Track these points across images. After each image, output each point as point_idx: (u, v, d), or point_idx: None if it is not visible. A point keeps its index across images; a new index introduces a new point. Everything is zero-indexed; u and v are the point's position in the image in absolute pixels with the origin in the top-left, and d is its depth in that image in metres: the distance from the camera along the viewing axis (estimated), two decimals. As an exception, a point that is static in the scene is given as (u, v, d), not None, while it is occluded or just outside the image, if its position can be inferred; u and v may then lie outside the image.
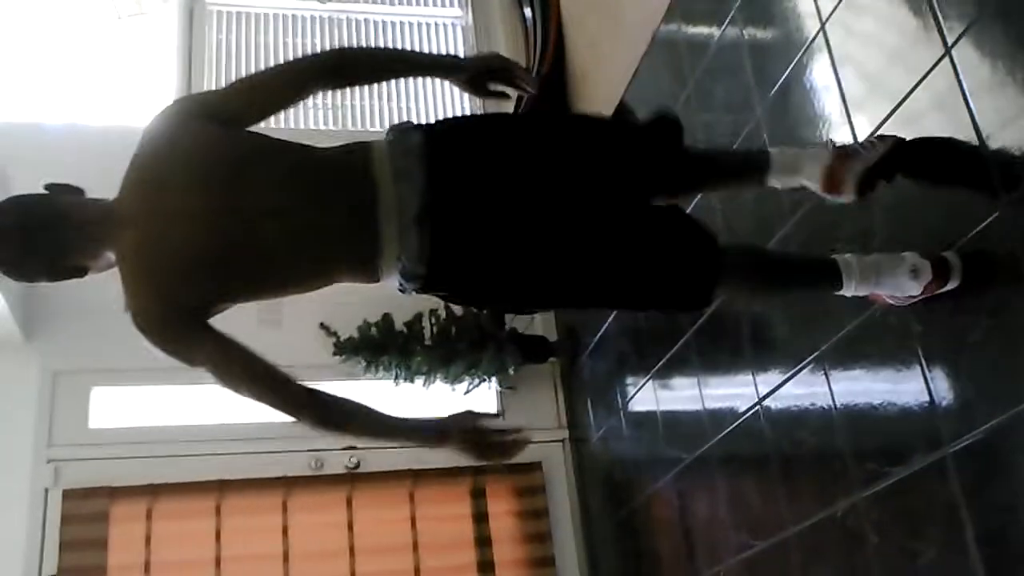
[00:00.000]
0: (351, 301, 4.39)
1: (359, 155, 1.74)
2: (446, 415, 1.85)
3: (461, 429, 1.85)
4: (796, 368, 2.54)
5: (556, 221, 1.76)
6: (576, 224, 1.78)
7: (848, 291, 1.91)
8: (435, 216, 1.68)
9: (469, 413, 1.86)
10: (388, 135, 1.77)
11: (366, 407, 1.83)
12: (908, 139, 2.01)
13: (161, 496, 4.08)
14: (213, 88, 1.82)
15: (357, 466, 4.33)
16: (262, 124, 1.80)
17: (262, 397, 1.77)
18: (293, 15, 5.16)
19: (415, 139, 1.73)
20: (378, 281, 1.77)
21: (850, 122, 2.27)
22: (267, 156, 1.75)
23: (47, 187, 1.78)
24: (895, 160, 1.98)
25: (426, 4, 5.44)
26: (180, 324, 1.71)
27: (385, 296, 4.30)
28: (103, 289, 4.59)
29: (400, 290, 1.78)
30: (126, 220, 1.69)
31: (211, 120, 1.73)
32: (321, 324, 4.29)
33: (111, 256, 1.74)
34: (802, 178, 2.02)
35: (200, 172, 1.69)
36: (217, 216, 1.66)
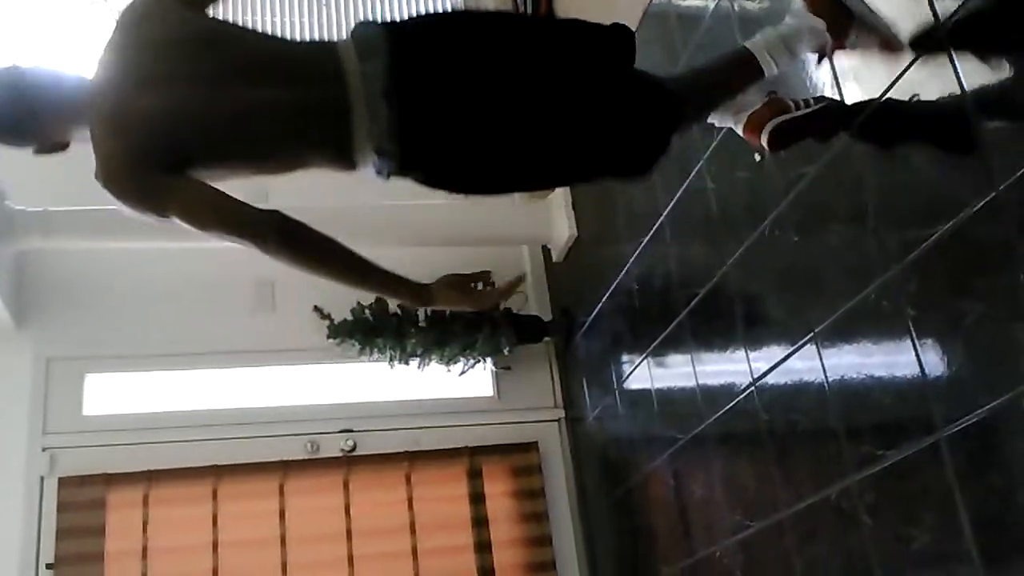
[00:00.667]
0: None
1: (324, 44, 1.85)
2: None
3: (447, 283, 1.88)
4: (790, 350, 2.52)
5: (519, 92, 1.83)
6: (538, 91, 1.84)
7: (770, 74, 2.09)
8: (402, 90, 1.73)
9: (453, 274, 1.89)
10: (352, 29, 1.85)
11: (350, 250, 1.81)
12: (847, 103, 2.02)
13: (157, 482, 4.06)
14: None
15: (353, 448, 4.32)
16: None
17: (230, 237, 1.75)
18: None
19: (378, 26, 1.82)
20: (354, 167, 1.81)
21: (840, 94, 2.24)
22: (235, 36, 1.85)
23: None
24: (822, 121, 2.08)
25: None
26: (149, 174, 1.72)
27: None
28: (95, 276, 4.59)
29: (377, 173, 1.80)
30: (98, 90, 1.76)
31: (179, 3, 1.84)
32: (315, 307, 4.26)
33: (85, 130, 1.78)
34: (731, 120, 2.18)
35: (172, 47, 1.77)
36: (186, 82, 1.73)
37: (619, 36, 1.96)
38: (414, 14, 3.81)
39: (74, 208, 3.76)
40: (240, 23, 1.91)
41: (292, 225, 1.74)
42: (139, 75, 1.75)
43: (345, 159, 1.79)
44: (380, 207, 4.22)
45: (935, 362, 1.96)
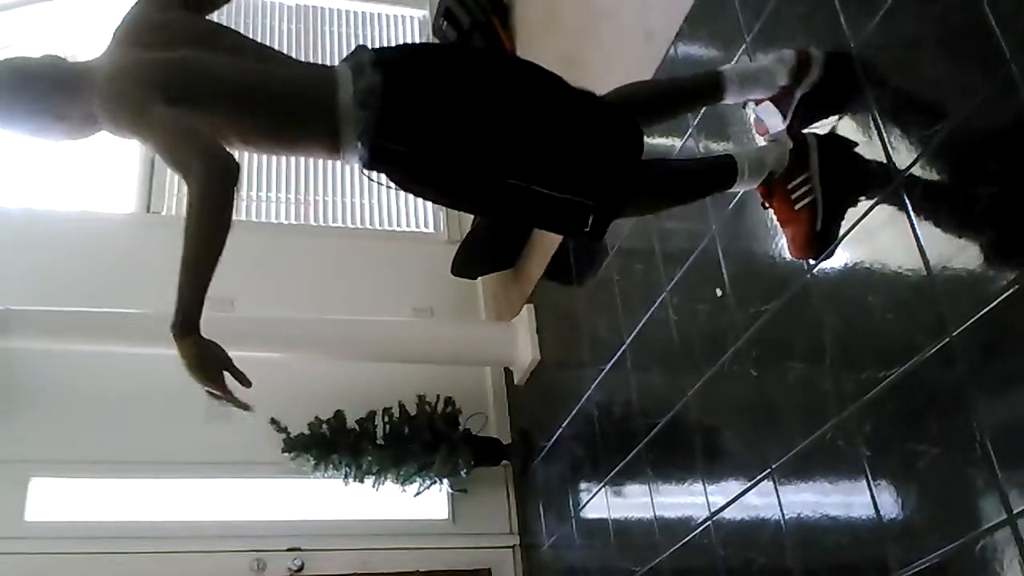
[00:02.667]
0: (303, 394, 4.34)
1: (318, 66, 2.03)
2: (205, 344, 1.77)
3: (207, 353, 1.79)
4: (747, 485, 2.52)
5: (495, 100, 1.93)
6: (514, 105, 1.94)
7: (729, 99, 2.26)
8: (388, 65, 1.85)
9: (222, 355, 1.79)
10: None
11: (196, 258, 1.70)
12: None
13: (95, 595, 3.91)
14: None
15: (301, 568, 4.20)
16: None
17: (181, 158, 1.73)
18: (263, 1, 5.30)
19: (369, 48, 1.94)
20: (339, 152, 1.87)
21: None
22: (246, 39, 2.01)
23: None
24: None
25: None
26: (148, 91, 1.78)
27: (338, 392, 4.33)
28: (48, 378, 4.50)
29: (360, 144, 1.84)
30: (102, 63, 1.89)
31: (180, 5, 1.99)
32: (272, 419, 4.21)
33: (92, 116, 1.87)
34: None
35: (170, 32, 1.90)
36: (198, 45, 1.87)
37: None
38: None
39: (35, 308, 3.74)
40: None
41: (228, 178, 1.71)
42: (145, 42, 1.88)
43: (331, 137, 1.86)
44: (346, 321, 4.23)
45: (890, 504, 1.96)
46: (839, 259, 2.17)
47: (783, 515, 2.36)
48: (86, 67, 1.90)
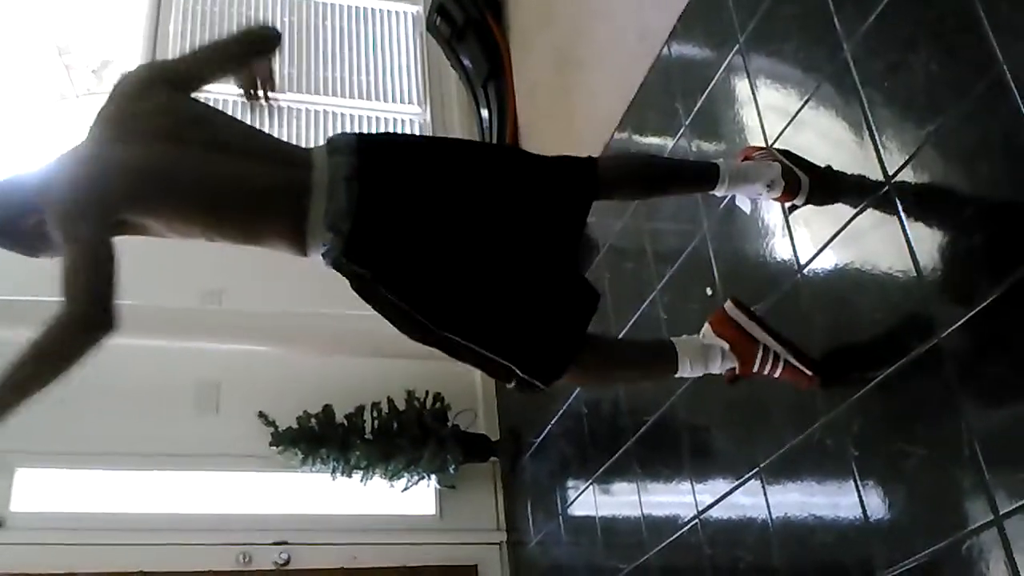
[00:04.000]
0: (292, 388, 4.33)
1: (301, 147, 1.98)
2: None
3: None
4: (735, 484, 2.52)
5: (472, 217, 1.91)
6: (490, 225, 1.93)
7: (719, 192, 2.26)
8: (364, 180, 1.83)
9: None
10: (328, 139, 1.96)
11: (15, 383, 1.70)
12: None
13: (80, 586, 3.90)
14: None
15: (287, 562, 4.19)
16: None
17: (67, 290, 1.71)
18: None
19: (352, 134, 1.94)
20: (305, 249, 1.86)
21: (791, 238, 2.32)
22: (221, 119, 2.00)
23: None
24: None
25: (386, 100, 5.51)
26: (91, 206, 1.77)
27: (327, 387, 4.32)
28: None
29: (324, 256, 1.86)
30: (71, 154, 1.86)
31: (167, 84, 1.96)
32: (260, 413, 4.20)
33: None
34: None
35: (159, 115, 1.89)
36: (165, 142, 1.84)
37: (580, 168, 2.06)
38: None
39: (19, 298, 3.71)
40: (230, 114, 2.07)
41: (96, 333, 1.71)
42: (121, 133, 1.86)
43: (298, 237, 1.85)
44: (335, 316, 4.22)
45: (877, 504, 1.97)
46: (829, 259, 2.18)
47: (770, 514, 2.37)
48: (63, 157, 1.88)
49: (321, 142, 1.94)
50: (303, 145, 2.00)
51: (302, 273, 1.98)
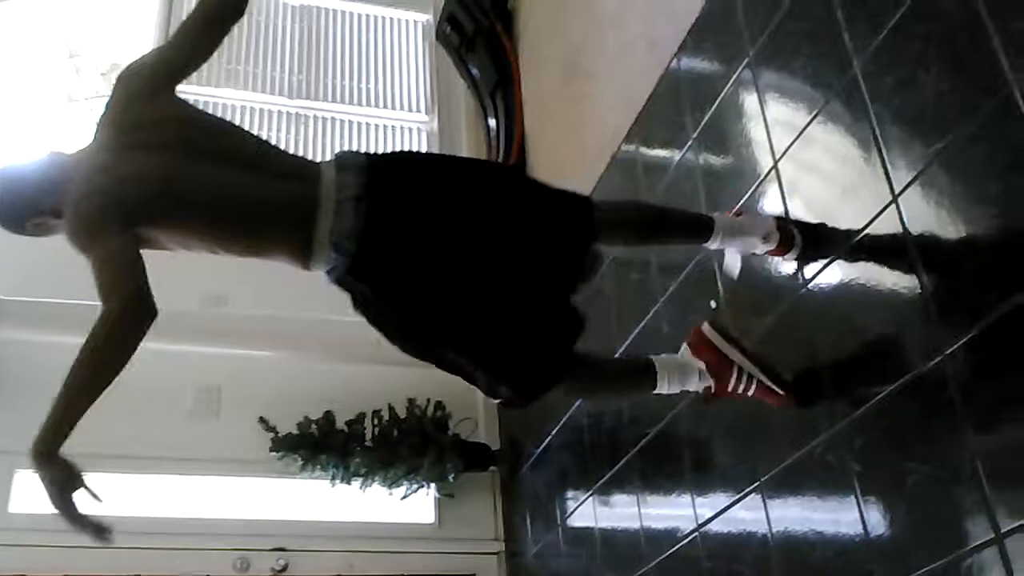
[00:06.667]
0: (293, 393, 4.32)
1: (309, 160, 1.99)
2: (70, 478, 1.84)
3: (62, 474, 1.84)
4: (735, 497, 2.52)
5: (476, 242, 1.94)
6: (492, 251, 1.96)
7: (712, 246, 2.30)
8: (372, 200, 1.86)
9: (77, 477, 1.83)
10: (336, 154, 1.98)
11: (79, 385, 1.82)
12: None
13: (77, 588, 3.89)
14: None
15: (285, 568, 4.18)
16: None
17: (106, 291, 1.77)
18: (261, 108, 5.21)
19: (361, 153, 1.96)
20: (309, 264, 1.89)
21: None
22: (232, 130, 2.01)
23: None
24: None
25: (393, 108, 5.53)
26: (109, 218, 1.79)
27: (328, 393, 4.31)
28: (33, 369, 4.47)
29: (328, 272, 1.89)
30: (90, 156, 1.88)
31: (171, 83, 1.97)
32: (260, 418, 4.19)
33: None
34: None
35: (162, 134, 1.88)
36: (173, 152, 1.85)
37: (579, 210, 2.10)
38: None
39: (21, 299, 3.72)
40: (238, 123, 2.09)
41: (139, 322, 1.77)
42: (134, 141, 1.87)
43: (303, 253, 1.88)
44: (337, 322, 4.21)
45: (878, 520, 1.97)
46: (834, 275, 2.18)
47: (770, 529, 2.36)
48: (75, 161, 1.91)
49: (329, 149, 1.97)
50: (310, 154, 2.02)
51: (305, 279, 1.99)
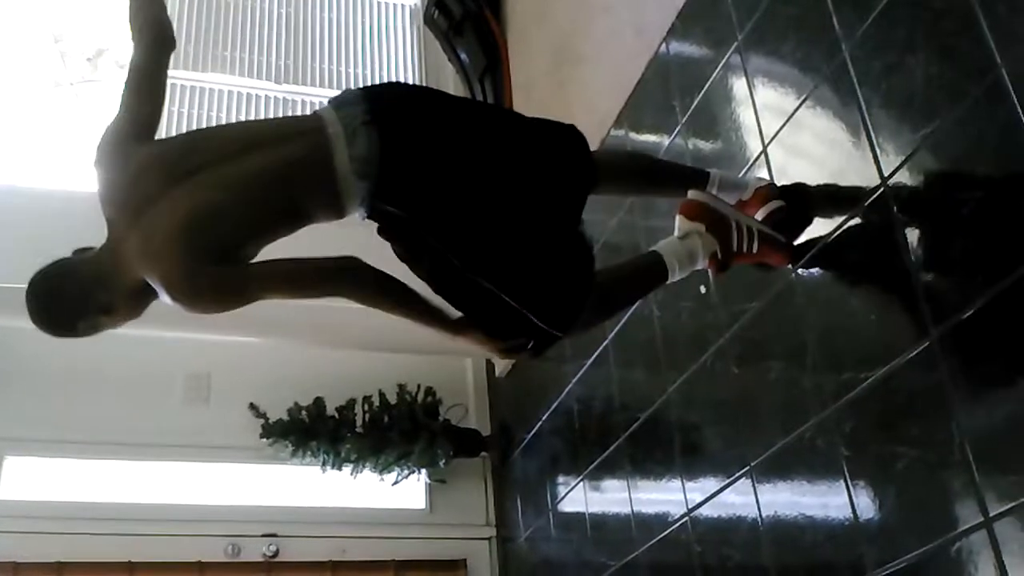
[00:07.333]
0: (283, 380, 4.32)
1: (297, 117, 2.02)
2: None
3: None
4: (726, 482, 2.53)
5: (493, 178, 1.93)
6: (500, 180, 1.94)
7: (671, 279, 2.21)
8: (382, 120, 1.82)
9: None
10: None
11: (411, 290, 1.89)
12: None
13: (68, 574, 3.88)
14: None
15: (276, 554, 4.18)
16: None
17: (319, 295, 1.88)
18: (249, 93, 5.18)
19: (354, 90, 1.93)
20: (343, 210, 1.86)
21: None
22: (210, 132, 2.01)
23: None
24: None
25: (381, 91, 5.50)
26: (208, 273, 1.78)
27: (318, 379, 4.31)
28: (23, 356, 4.46)
29: (361, 203, 1.85)
30: (121, 239, 1.82)
31: (136, 137, 1.92)
32: (250, 405, 4.19)
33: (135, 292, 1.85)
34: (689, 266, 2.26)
35: (156, 174, 1.83)
36: (184, 188, 1.79)
37: (575, 141, 2.13)
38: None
39: (11, 286, 3.69)
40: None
41: (363, 270, 1.85)
42: (145, 204, 1.80)
43: (334, 197, 1.83)
44: (328, 308, 4.20)
45: (867, 504, 1.98)
46: (824, 260, 2.18)
47: (760, 513, 2.37)
48: (110, 249, 1.85)
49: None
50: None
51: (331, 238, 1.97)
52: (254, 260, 1.85)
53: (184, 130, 4.82)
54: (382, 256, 1.91)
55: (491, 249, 1.93)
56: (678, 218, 2.22)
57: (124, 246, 1.81)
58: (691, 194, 2.23)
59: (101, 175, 1.89)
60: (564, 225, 2.03)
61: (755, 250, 2.22)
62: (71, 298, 1.87)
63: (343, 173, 1.81)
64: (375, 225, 1.95)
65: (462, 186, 1.90)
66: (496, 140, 1.98)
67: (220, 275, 1.78)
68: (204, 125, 4.95)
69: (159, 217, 1.77)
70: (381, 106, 1.87)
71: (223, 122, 4.99)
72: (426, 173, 1.86)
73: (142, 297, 1.88)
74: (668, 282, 2.20)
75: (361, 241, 1.94)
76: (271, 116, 5.08)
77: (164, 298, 1.81)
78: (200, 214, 1.77)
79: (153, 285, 1.80)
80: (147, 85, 1.99)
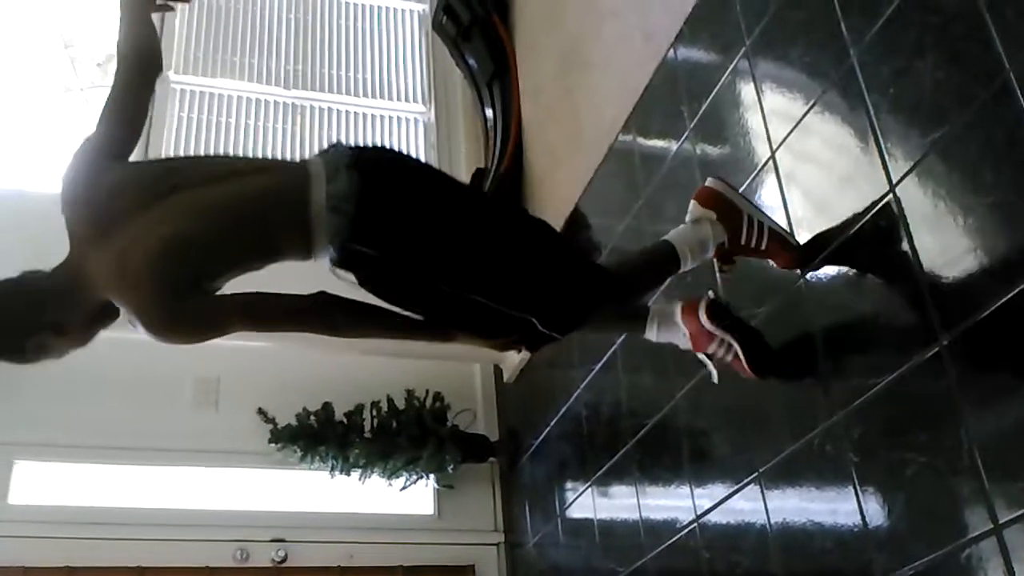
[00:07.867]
0: (292, 385, 4.32)
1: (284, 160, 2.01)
2: None
3: None
4: (734, 488, 2.52)
5: (465, 207, 1.97)
6: (482, 216, 1.97)
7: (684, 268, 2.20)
8: (365, 166, 1.82)
9: None
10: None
11: (387, 312, 1.88)
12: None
13: (77, 580, 3.89)
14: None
15: (284, 559, 4.18)
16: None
17: (287, 330, 1.87)
18: (257, 99, 5.19)
19: (342, 145, 1.92)
20: (311, 249, 1.81)
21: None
22: (188, 161, 2.00)
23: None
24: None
25: (391, 98, 5.50)
26: (185, 304, 1.75)
27: (327, 384, 4.31)
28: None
29: (330, 251, 1.81)
30: (84, 256, 1.78)
31: (111, 156, 1.90)
32: (259, 410, 4.20)
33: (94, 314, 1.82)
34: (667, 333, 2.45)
35: (130, 193, 1.80)
36: (157, 210, 1.76)
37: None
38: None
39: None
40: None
41: (333, 307, 1.84)
42: (107, 220, 1.77)
43: (303, 233, 1.79)
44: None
45: (876, 510, 1.97)
46: (832, 265, 2.17)
47: (769, 519, 2.36)
48: (71, 265, 1.80)
49: (325, 139, 1.94)
50: (307, 144, 2.00)
51: (303, 268, 1.96)
52: (220, 292, 1.82)
53: (192, 135, 4.90)
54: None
55: (480, 270, 1.91)
56: (692, 203, 2.25)
57: (89, 264, 1.77)
58: (709, 181, 2.26)
59: (69, 187, 1.86)
60: (545, 243, 2.04)
61: (763, 247, 2.24)
62: (16, 316, 1.78)
63: (317, 208, 1.77)
64: None
65: (439, 224, 1.89)
66: (475, 212, 1.98)
67: (196, 310, 1.76)
68: (213, 130, 4.98)
69: (131, 242, 1.73)
70: (366, 155, 1.89)
71: (231, 127, 5.02)
72: (402, 213, 1.85)
73: (97, 320, 1.84)
74: (680, 271, 2.21)
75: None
76: (279, 122, 5.10)
77: (136, 329, 1.75)
78: (174, 243, 1.73)
79: (125, 313, 1.76)
80: (128, 110, 1.99)
